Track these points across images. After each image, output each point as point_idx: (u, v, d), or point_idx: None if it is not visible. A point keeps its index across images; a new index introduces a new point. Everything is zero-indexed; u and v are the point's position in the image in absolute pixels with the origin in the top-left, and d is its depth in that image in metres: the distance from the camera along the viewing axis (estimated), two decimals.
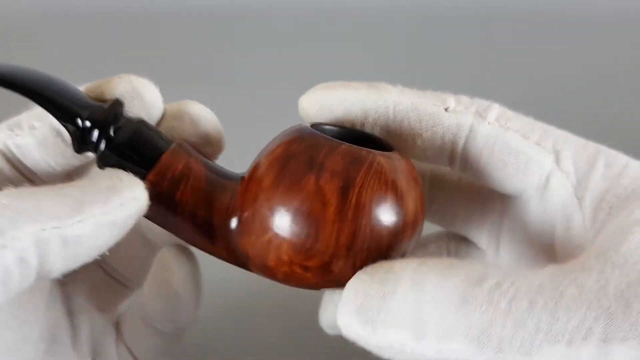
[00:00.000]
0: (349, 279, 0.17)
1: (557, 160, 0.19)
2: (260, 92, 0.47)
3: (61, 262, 0.15)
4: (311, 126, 0.19)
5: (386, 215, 0.17)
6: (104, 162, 0.18)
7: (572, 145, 0.19)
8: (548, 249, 0.20)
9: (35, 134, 0.18)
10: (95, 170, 0.19)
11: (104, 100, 0.19)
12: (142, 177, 0.18)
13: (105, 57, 0.54)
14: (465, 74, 0.49)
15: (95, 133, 0.18)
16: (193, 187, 0.18)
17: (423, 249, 0.25)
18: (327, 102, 0.20)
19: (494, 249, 0.22)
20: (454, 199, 0.23)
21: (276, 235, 0.17)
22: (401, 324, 0.15)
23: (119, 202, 0.16)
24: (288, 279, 0.18)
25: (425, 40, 0.57)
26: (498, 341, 0.14)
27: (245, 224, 0.18)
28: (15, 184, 0.18)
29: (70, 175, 0.20)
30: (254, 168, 0.18)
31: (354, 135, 0.20)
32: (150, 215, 0.18)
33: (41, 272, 0.15)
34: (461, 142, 0.19)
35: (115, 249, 0.17)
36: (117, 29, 0.59)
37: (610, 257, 0.15)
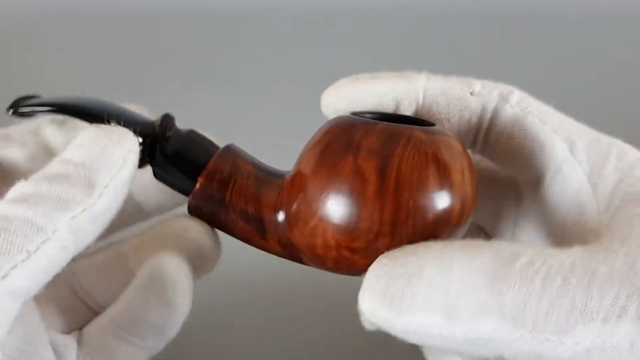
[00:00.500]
0: None
1: (571, 149, 0.19)
2: (260, 92, 0.47)
3: (91, 237, 0.16)
4: (352, 114, 0.19)
5: (429, 188, 0.16)
6: (158, 170, 0.20)
7: (586, 136, 0.19)
8: (561, 234, 0.20)
9: (25, 149, 0.19)
10: (79, 136, 0.18)
11: None
12: (194, 183, 0.19)
13: (105, 57, 0.54)
14: (465, 74, 0.49)
15: (148, 145, 0.19)
16: (241, 185, 0.19)
17: None
18: (357, 95, 0.20)
19: (510, 235, 0.22)
20: None
21: (321, 220, 0.17)
22: (429, 306, 0.15)
23: (121, 160, 0.17)
24: (339, 265, 0.18)
25: (426, 41, 0.57)
26: (533, 319, 0.14)
27: (292, 216, 0.18)
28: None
29: None
30: (298, 162, 0.18)
31: (396, 119, 0.19)
32: (204, 217, 0.19)
33: (75, 253, 0.16)
34: (485, 125, 0.20)
35: (93, 270, 0.17)
36: (117, 29, 0.59)
37: (634, 241, 0.15)
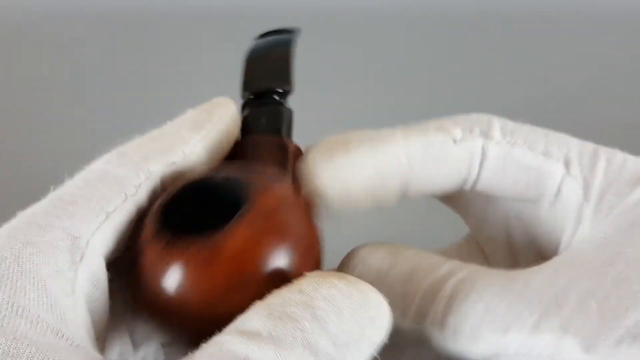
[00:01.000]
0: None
1: (566, 166, 0.19)
2: None
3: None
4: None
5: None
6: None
7: (574, 147, 0.19)
8: (554, 251, 0.20)
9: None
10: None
11: None
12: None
13: (105, 57, 0.54)
14: (465, 74, 0.49)
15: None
16: None
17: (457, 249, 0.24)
18: (343, 182, 0.19)
19: (507, 254, 0.22)
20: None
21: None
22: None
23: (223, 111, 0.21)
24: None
25: (426, 40, 0.57)
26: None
27: None
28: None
29: None
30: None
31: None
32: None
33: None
34: (475, 170, 0.19)
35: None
36: (117, 29, 0.59)
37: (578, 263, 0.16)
